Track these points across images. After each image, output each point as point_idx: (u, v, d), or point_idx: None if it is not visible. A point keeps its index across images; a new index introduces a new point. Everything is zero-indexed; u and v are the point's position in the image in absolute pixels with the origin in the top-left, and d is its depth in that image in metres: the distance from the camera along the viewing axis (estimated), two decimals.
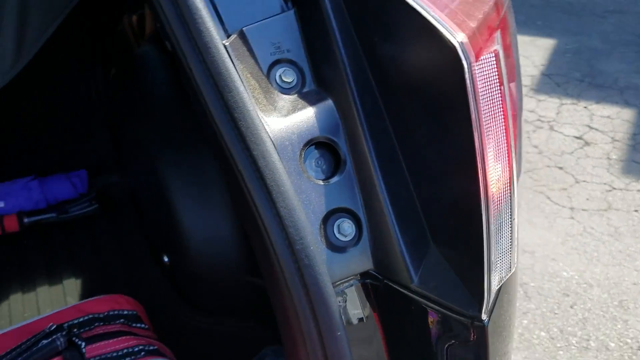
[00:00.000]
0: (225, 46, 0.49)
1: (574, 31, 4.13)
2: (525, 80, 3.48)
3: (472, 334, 0.48)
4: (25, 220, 1.22)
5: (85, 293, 1.11)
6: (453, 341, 0.51)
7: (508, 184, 0.44)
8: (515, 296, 0.62)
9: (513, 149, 0.43)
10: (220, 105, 0.48)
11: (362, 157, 0.51)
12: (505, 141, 0.42)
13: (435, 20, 0.40)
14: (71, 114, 1.28)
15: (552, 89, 3.39)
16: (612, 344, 1.95)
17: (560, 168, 2.75)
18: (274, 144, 0.49)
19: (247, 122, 0.47)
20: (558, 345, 1.94)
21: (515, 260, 0.48)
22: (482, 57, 0.39)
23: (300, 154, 0.50)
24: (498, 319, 0.52)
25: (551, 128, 3.02)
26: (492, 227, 0.43)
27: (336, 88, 0.52)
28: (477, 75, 0.39)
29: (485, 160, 0.41)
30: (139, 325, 0.72)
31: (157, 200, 0.82)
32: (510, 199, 0.45)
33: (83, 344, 0.61)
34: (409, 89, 0.48)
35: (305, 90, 0.54)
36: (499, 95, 0.41)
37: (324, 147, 0.52)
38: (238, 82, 0.48)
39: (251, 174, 0.48)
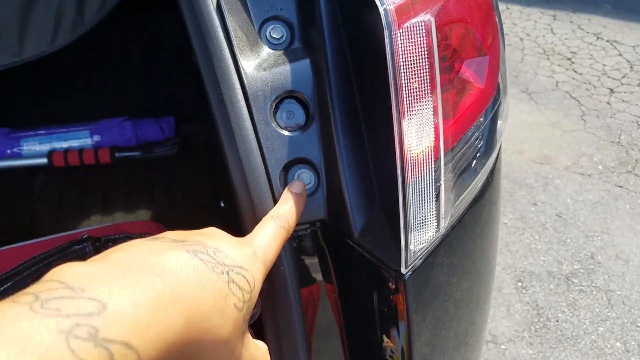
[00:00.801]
0: (219, 0, 0.56)
1: None
2: None
3: (394, 285, 0.53)
4: (117, 154, 1.39)
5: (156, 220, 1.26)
6: (382, 289, 0.55)
7: (433, 152, 0.46)
8: (471, 261, 0.64)
9: (441, 120, 0.45)
10: (204, 52, 0.55)
11: (327, 115, 0.55)
12: (432, 110, 0.45)
13: None
14: (168, 65, 1.42)
15: None
16: None
17: None
18: (247, 93, 0.55)
19: (223, 69, 0.54)
20: (632, 359, 1.83)
21: (443, 223, 0.51)
22: (405, 25, 0.42)
23: (272, 105, 0.56)
24: (429, 276, 0.56)
25: None
26: (409, 190, 0.46)
27: (315, 49, 0.56)
28: (400, 44, 0.42)
29: (402, 129, 0.44)
30: None
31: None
32: (433, 166, 0.47)
33: None
34: (367, 55, 0.52)
35: (292, 47, 0.58)
36: (427, 66, 0.44)
37: (297, 102, 0.57)
38: (219, 32, 0.54)
39: (221, 116, 0.55)
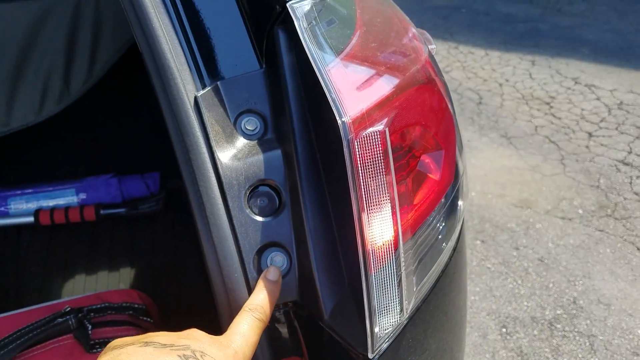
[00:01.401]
0: (196, 97, 0.60)
1: None
2: (639, 122, 3.28)
3: None
4: (102, 212, 1.42)
5: (137, 282, 1.28)
6: None
7: (393, 243, 0.50)
8: (438, 341, 0.67)
9: (398, 214, 0.49)
10: (181, 146, 0.59)
11: (297, 201, 0.59)
12: (390, 207, 0.49)
13: (332, 100, 0.48)
14: (152, 122, 1.46)
15: None
16: None
17: None
18: (222, 182, 0.59)
19: (199, 162, 0.58)
20: None
21: (407, 306, 0.54)
22: (363, 136, 0.46)
23: (246, 193, 0.60)
24: (397, 358, 0.58)
25: None
26: (371, 280, 0.50)
27: (287, 139, 0.60)
28: (358, 150, 0.47)
29: (362, 223, 0.48)
30: (145, 318, 0.85)
31: None
32: (394, 256, 0.51)
33: (90, 326, 0.75)
34: (332, 151, 0.56)
35: (266, 137, 0.63)
36: (383, 167, 0.48)
37: (270, 189, 0.61)
38: (196, 128, 0.59)
39: (197, 205, 0.59)
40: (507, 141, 3.18)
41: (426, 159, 0.57)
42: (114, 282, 1.26)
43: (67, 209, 1.42)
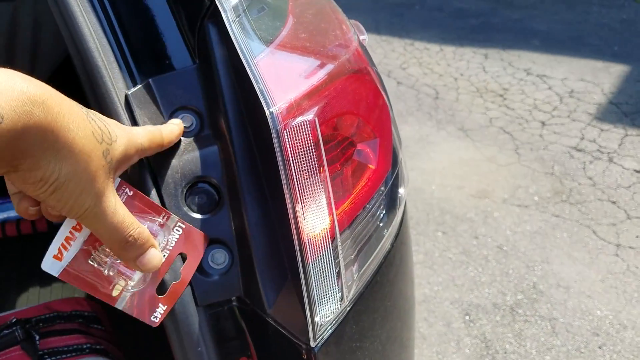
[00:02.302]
0: (127, 95, 0.59)
1: None
2: (590, 109, 3.37)
3: (305, 356, 0.56)
4: (55, 222, 1.39)
5: None
6: (296, 358, 0.58)
7: (329, 232, 0.50)
8: (381, 328, 0.68)
9: (333, 204, 0.50)
10: None
11: (237, 197, 0.59)
12: (325, 197, 0.49)
13: (260, 91, 0.48)
14: None
15: (619, 119, 3.26)
16: None
17: (613, 202, 2.66)
18: (156, 181, 0.58)
19: None
20: None
21: (347, 294, 0.55)
22: (292, 126, 0.46)
23: (182, 191, 0.59)
24: (341, 345, 0.59)
25: (610, 160, 2.91)
26: (309, 269, 0.50)
27: (222, 135, 0.60)
28: (287, 141, 0.47)
29: (297, 214, 0.48)
30: (95, 325, 0.84)
31: None
32: (331, 246, 0.51)
33: (37, 337, 0.73)
34: (266, 143, 0.56)
35: (202, 134, 0.62)
36: (315, 158, 0.48)
37: (209, 186, 0.61)
38: None
39: None
40: (464, 134, 3.23)
41: (362, 147, 0.57)
42: (68, 292, 1.23)
43: (18, 221, 1.38)
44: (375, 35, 4.58)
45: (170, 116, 0.62)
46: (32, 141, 0.38)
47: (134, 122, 0.59)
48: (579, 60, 4.00)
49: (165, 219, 0.56)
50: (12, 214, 1.43)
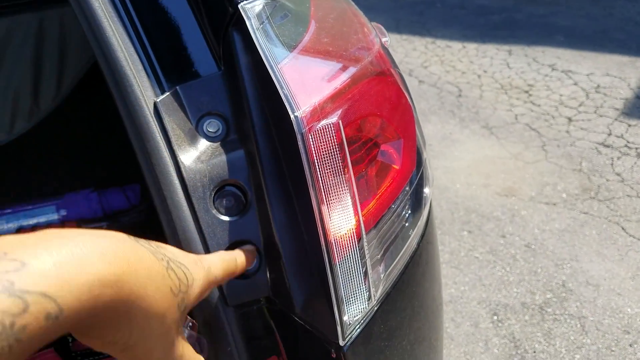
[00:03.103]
0: (155, 103, 0.61)
1: None
2: (617, 104, 3.32)
3: (334, 355, 0.57)
4: (84, 227, 1.42)
5: None
6: (326, 357, 0.59)
7: (356, 232, 0.51)
8: (411, 330, 0.68)
9: (358, 204, 0.50)
10: (143, 153, 0.60)
11: (263, 199, 0.60)
12: (350, 197, 0.50)
13: (284, 96, 0.49)
14: (126, 135, 1.46)
15: None
16: None
17: None
18: (186, 185, 0.59)
19: (161, 166, 0.59)
20: None
21: (374, 294, 0.55)
22: (317, 129, 0.47)
23: (211, 194, 0.61)
24: (369, 344, 0.60)
25: (638, 155, 2.86)
26: (336, 270, 0.51)
27: (248, 139, 0.61)
28: (312, 143, 0.48)
29: (323, 215, 0.49)
30: None
31: None
32: (357, 246, 0.52)
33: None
34: (291, 145, 0.57)
35: (228, 139, 0.63)
36: (340, 159, 0.49)
37: (235, 188, 0.62)
38: (156, 133, 0.59)
39: (162, 209, 0.59)
40: (489, 131, 3.20)
41: (386, 148, 0.58)
42: None
43: (48, 226, 1.41)
44: (395, 35, 4.57)
45: (198, 122, 0.63)
46: (99, 320, 0.34)
47: (163, 129, 0.60)
48: (604, 55, 3.94)
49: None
50: (41, 219, 1.46)
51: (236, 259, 0.54)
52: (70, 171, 1.49)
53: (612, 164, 2.84)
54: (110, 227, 1.42)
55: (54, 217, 1.46)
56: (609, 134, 3.06)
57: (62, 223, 1.41)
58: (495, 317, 2.11)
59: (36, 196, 1.46)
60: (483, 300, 2.19)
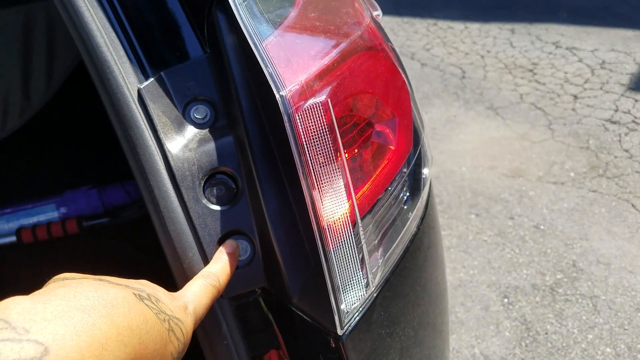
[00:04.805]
0: (139, 89, 0.58)
1: None
2: (623, 79, 3.26)
3: (335, 346, 0.55)
4: (84, 223, 1.40)
5: None
6: (326, 352, 0.57)
7: (349, 218, 0.49)
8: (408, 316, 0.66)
9: (352, 187, 0.48)
10: (127, 141, 0.57)
11: (254, 186, 0.57)
12: (343, 180, 0.47)
13: (269, 75, 0.46)
14: None
15: None
16: None
17: None
18: (174, 174, 0.57)
19: (146, 155, 0.57)
20: None
21: (372, 280, 0.53)
22: (304, 108, 0.44)
23: (200, 183, 0.58)
24: (369, 332, 0.57)
25: None
26: (330, 256, 0.48)
27: (237, 125, 0.59)
28: (300, 124, 0.45)
29: (315, 201, 0.46)
30: None
31: None
32: (352, 231, 0.49)
33: None
34: (281, 128, 0.54)
35: (217, 125, 0.61)
36: (330, 141, 0.46)
37: (226, 177, 0.60)
38: (140, 121, 0.57)
39: (149, 200, 0.57)
40: (494, 112, 3.16)
41: (380, 128, 0.55)
42: None
43: (49, 224, 1.40)
44: (396, 18, 4.51)
45: (185, 109, 0.61)
46: None
47: (148, 117, 0.58)
48: (608, 30, 3.87)
49: None
50: (41, 218, 1.45)
51: (219, 279, 0.53)
52: (68, 167, 1.48)
53: (619, 141, 2.79)
54: (111, 223, 1.41)
55: (54, 215, 1.45)
56: (616, 110, 3.01)
57: (62, 221, 1.39)
58: (505, 300, 2.09)
59: (35, 194, 1.44)
60: (493, 284, 2.16)
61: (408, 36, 4.22)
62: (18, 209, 1.45)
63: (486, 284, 2.16)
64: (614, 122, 2.93)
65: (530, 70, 3.53)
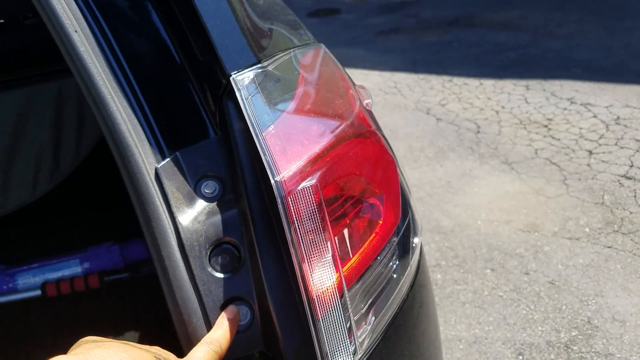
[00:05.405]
0: (156, 169, 0.66)
1: None
2: (638, 135, 3.29)
3: None
4: (106, 278, 1.47)
5: (142, 343, 1.32)
6: None
7: (336, 287, 0.54)
8: None
9: (339, 260, 0.53)
10: (143, 216, 0.64)
11: (254, 256, 0.64)
12: (331, 253, 0.53)
13: (267, 162, 0.53)
14: None
15: None
16: None
17: None
18: (183, 245, 0.64)
19: (160, 229, 0.63)
20: None
21: (360, 347, 0.58)
22: (296, 192, 0.51)
23: (207, 252, 0.65)
24: None
25: None
26: (319, 325, 0.54)
27: (242, 199, 0.65)
28: (292, 206, 0.51)
29: (305, 272, 0.52)
30: None
31: None
32: (340, 302, 0.55)
33: None
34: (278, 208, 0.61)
35: (225, 198, 0.68)
36: (319, 219, 0.52)
37: (230, 246, 0.66)
38: (155, 198, 0.64)
39: (160, 269, 0.63)
40: (509, 167, 3.20)
41: (369, 203, 0.61)
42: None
43: (72, 279, 1.47)
44: (412, 74, 4.64)
45: (196, 184, 0.68)
46: None
47: (163, 193, 0.65)
48: (623, 86, 3.93)
49: None
50: (66, 272, 1.53)
51: (220, 345, 0.58)
52: (92, 224, 1.57)
53: (634, 196, 2.80)
54: (131, 278, 1.47)
55: (78, 270, 1.53)
56: (631, 166, 3.03)
57: (85, 276, 1.47)
58: (520, 357, 2.08)
59: (61, 249, 1.52)
60: (508, 340, 2.16)
61: (424, 92, 4.33)
62: (44, 263, 1.53)
63: (501, 341, 2.16)
64: (629, 178, 2.94)
65: (545, 126, 3.59)
